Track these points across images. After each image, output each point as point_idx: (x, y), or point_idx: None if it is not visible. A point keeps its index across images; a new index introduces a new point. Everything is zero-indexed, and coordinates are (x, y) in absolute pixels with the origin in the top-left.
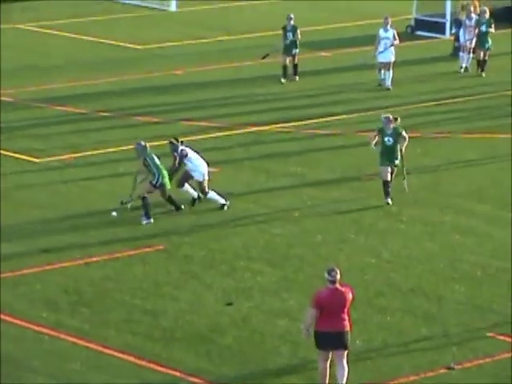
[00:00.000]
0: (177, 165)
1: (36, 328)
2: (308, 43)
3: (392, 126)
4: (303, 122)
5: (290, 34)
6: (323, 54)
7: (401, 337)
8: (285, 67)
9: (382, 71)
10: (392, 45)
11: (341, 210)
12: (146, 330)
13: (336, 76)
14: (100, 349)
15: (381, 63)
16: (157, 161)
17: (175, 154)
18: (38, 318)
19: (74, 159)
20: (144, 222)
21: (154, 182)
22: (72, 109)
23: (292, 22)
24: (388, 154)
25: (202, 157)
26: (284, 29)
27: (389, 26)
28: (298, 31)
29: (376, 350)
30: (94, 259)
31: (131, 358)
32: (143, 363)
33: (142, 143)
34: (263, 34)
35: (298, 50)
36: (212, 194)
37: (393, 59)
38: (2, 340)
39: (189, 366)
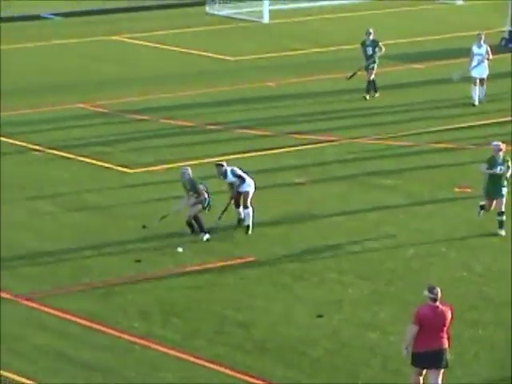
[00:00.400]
0: (236, 188)
1: (128, 338)
2: (400, 55)
3: (501, 154)
4: (400, 134)
5: (369, 49)
6: (416, 66)
7: (493, 351)
8: (369, 82)
9: (475, 87)
10: (484, 60)
11: (433, 223)
12: (238, 341)
13: (428, 89)
14: (191, 359)
15: (474, 78)
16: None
17: (226, 176)
18: (130, 328)
19: (167, 171)
20: (205, 237)
21: (204, 205)
22: (166, 120)
23: (371, 37)
24: (496, 184)
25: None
26: (363, 44)
27: (482, 42)
28: (381, 44)
29: (468, 364)
30: (187, 270)
31: (222, 369)
32: (234, 374)
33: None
34: (354, 46)
35: (375, 65)
36: (250, 211)
37: (486, 75)
38: (93, 349)
39: (279, 377)
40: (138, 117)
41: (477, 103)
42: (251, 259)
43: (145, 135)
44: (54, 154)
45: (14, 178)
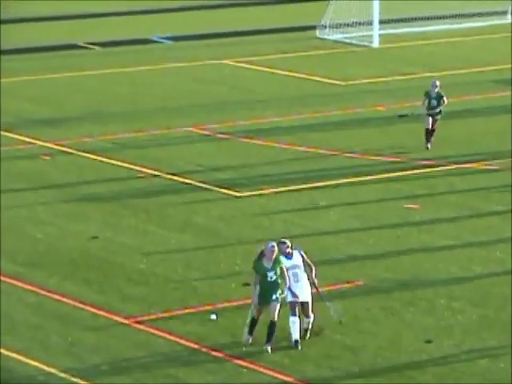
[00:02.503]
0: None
1: (236, 361)
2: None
3: None
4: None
5: (434, 102)
6: None
7: None
8: (427, 131)
9: None
10: None
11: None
12: (346, 365)
13: None
14: (299, 383)
15: None
16: None
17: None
18: (238, 351)
19: (276, 194)
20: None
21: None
22: (271, 143)
23: (437, 90)
24: None
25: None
26: (428, 95)
27: None
28: (445, 99)
29: None
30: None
31: None
32: None
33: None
34: (465, 70)
35: (439, 117)
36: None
37: None
38: (201, 372)
39: None
40: (247, 140)
41: None
42: (359, 283)
43: (255, 158)
44: (162, 177)
45: (123, 200)
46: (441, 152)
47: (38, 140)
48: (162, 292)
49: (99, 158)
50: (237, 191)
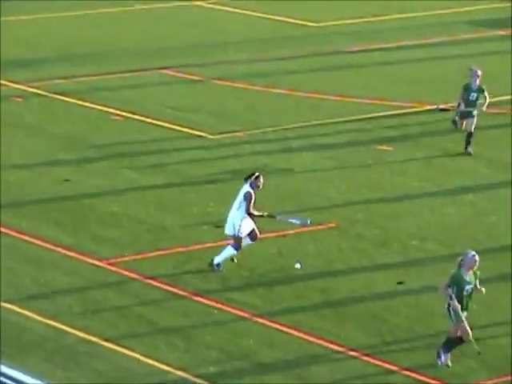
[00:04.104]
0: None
1: (207, 302)
2: None
3: None
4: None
5: (473, 95)
6: None
7: None
8: (454, 122)
9: None
10: None
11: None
12: (317, 307)
13: None
14: (270, 324)
15: None
16: None
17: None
18: (210, 293)
19: (248, 135)
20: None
21: None
22: (245, 85)
23: (478, 81)
24: None
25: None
26: (467, 88)
27: None
28: (486, 94)
29: None
30: (266, 236)
31: (301, 335)
32: (313, 340)
33: None
34: (435, 12)
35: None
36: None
37: None
38: (174, 313)
39: (359, 343)
40: (221, 82)
41: None
42: (332, 225)
43: (228, 101)
44: (134, 119)
45: (95, 142)
46: (413, 93)
47: (11, 82)
48: (135, 234)
49: (71, 100)
50: (209, 133)
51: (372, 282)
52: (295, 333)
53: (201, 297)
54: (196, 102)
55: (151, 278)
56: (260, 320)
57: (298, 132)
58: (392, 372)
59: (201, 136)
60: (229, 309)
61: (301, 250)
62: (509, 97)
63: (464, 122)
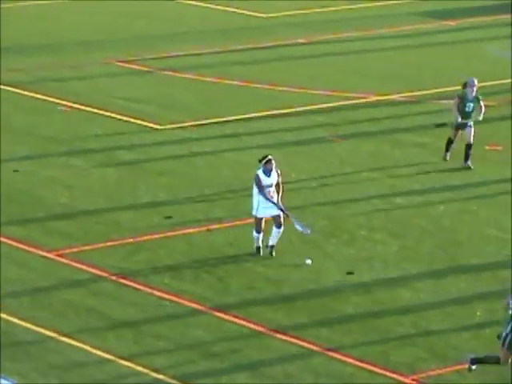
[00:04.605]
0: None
1: (159, 294)
2: None
3: None
4: (428, 91)
5: (470, 105)
6: (448, 22)
7: None
8: (450, 142)
9: None
10: None
11: (463, 180)
12: (268, 297)
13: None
14: (221, 316)
15: None
16: None
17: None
18: (161, 284)
19: (198, 127)
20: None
21: None
22: (194, 76)
23: (475, 91)
24: None
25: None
26: (462, 98)
27: None
28: (482, 104)
29: (498, 323)
30: (217, 226)
31: (252, 325)
32: (264, 330)
33: None
34: (384, 2)
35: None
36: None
37: None
38: (124, 305)
39: (309, 334)
40: (170, 73)
41: None
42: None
43: (177, 91)
44: (85, 110)
45: (45, 133)
46: (361, 84)
47: None
48: (85, 226)
49: (19, 91)
50: (159, 124)
51: (322, 272)
52: (246, 324)
53: (151, 288)
54: (145, 93)
55: (101, 270)
56: (211, 311)
57: (248, 123)
58: (342, 362)
59: (150, 127)
60: (180, 300)
61: (251, 241)
62: (455, 87)
63: (460, 133)
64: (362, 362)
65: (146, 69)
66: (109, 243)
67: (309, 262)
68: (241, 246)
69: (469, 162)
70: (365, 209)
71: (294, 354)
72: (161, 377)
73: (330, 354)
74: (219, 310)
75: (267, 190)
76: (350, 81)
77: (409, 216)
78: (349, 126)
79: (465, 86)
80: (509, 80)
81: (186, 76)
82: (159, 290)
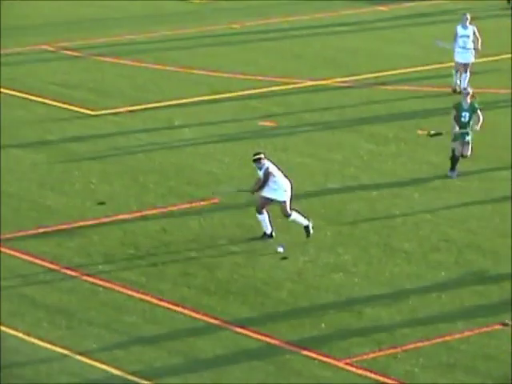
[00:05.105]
0: (263, 184)
1: (92, 280)
2: None
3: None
4: (362, 76)
5: (466, 115)
6: (380, 8)
7: (455, 292)
8: (454, 159)
9: (457, 73)
10: (470, 43)
11: (397, 165)
12: (202, 283)
13: (394, 30)
14: (156, 301)
15: (457, 63)
16: None
17: (261, 171)
18: (95, 270)
19: (131, 113)
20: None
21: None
22: (127, 61)
23: (469, 99)
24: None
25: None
26: (458, 108)
27: (467, 23)
28: (480, 113)
29: (430, 305)
30: (150, 212)
31: (186, 311)
32: (199, 316)
33: None
34: None
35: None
36: (295, 216)
37: (472, 60)
38: (57, 291)
39: (243, 319)
40: (103, 59)
41: (457, 89)
42: (215, 201)
43: (110, 77)
44: (17, 96)
45: None
46: (296, 69)
47: None
48: (17, 212)
49: None
50: (92, 110)
51: (256, 257)
52: (180, 309)
53: (85, 274)
54: (78, 79)
55: (34, 256)
56: (145, 297)
57: (182, 108)
58: (278, 347)
59: (83, 113)
60: (113, 286)
61: (185, 227)
62: (390, 72)
63: (458, 147)
64: (297, 346)
65: (78, 54)
66: (41, 229)
67: (281, 249)
68: (175, 232)
69: (453, 174)
70: (299, 194)
71: (228, 338)
72: (93, 362)
73: (265, 339)
74: (153, 296)
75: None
76: (284, 66)
77: (343, 201)
78: (283, 111)
79: (464, 94)
80: (442, 65)
81: (120, 61)
82: (92, 276)
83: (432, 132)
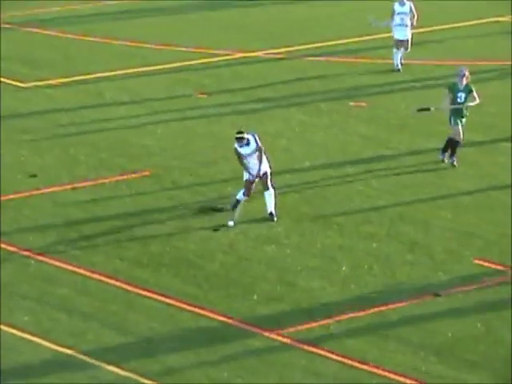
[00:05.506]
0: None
1: (23, 252)
2: None
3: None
4: (295, 48)
5: (461, 95)
6: None
7: (387, 263)
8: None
9: (398, 50)
10: (407, 20)
11: (329, 136)
12: (134, 255)
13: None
14: (88, 274)
15: (396, 40)
16: None
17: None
18: (26, 243)
19: (62, 84)
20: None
21: None
22: (57, 33)
23: (465, 80)
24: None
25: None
26: (453, 89)
27: (405, 0)
28: (475, 95)
29: (362, 276)
30: (82, 184)
31: (119, 284)
32: (131, 289)
33: None
34: None
35: (464, 120)
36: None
37: (408, 37)
38: None
39: (176, 291)
40: (32, 30)
41: (400, 68)
42: (146, 173)
43: (40, 49)
44: None
45: None
46: (226, 40)
47: None
48: None
49: None
50: (22, 82)
51: (188, 229)
52: (112, 282)
53: (16, 247)
54: (8, 51)
55: None
56: (77, 269)
57: (113, 80)
58: (209, 318)
59: (13, 85)
60: (45, 259)
61: (116, 199)
62: (322, 44)
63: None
64: (229, 318)
65: (7, 26)
66: None
67: (231, 223)
68: (107, 205)
69: (454, 159)
70: (230, 166)
71: (160, 311)
72: (25, 335)
73: (197, 310)
74: (85, 269)
75: (248, 159)
76: (214, 37)
77: (274, 172)
78: (214, 82)
79: (459, 76)
80: (372, 36)
81: (48, 33)
82: (24, 250)
83: (420, 108)
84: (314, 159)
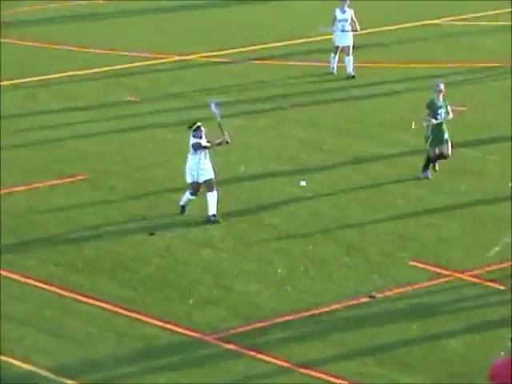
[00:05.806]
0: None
1: None
2: None
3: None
4: (233, 51)
5: (441, 112)
6: None
7: (323, 266)
8: (429, 160)
9: (335, 55)
10: (348, 27)
11: (264, 140)
12: (69, 260)
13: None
14: (22, 279)
15: (336, 47)
16: None
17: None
18: None
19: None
20: None
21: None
22: None
23: (441, 97)
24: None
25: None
26: (431, 106)
27: (346, 7)
28: (449, 109)
29: (298, 279)
30: (17, 189)
31: (53, 289)
32: (66, 293)
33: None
34: None
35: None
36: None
37: (349, 43)
38: None
39: (112, 295)
40: None
41: (335, 72)
42: (82, 177)
43: None
44: None
45: None
46: (165, 44)
47: None
48: None
49: None
50: None
51: (123, 234)
52: (47, 286)
53: None
54: None
55: None
56: (12, 275)
57: (46, 84)
58: (144, 323)
59: None
60: None
61: (51, 203)
62: (264, 46)
63: (437, 150)
64: (164, 322)
65: None
66: None
67: (303, 183)
68: (41, 209)
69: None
70: (168, 169)
71: (95, 315)
72: None
73: (133, 314)
74: (21, 274)
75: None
76: (153, 41)
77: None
78: (150, 86)
79: (437, 91)
80: (316, 38)
81: None
82: None
83: (413, 126)
84: (250, 163)
